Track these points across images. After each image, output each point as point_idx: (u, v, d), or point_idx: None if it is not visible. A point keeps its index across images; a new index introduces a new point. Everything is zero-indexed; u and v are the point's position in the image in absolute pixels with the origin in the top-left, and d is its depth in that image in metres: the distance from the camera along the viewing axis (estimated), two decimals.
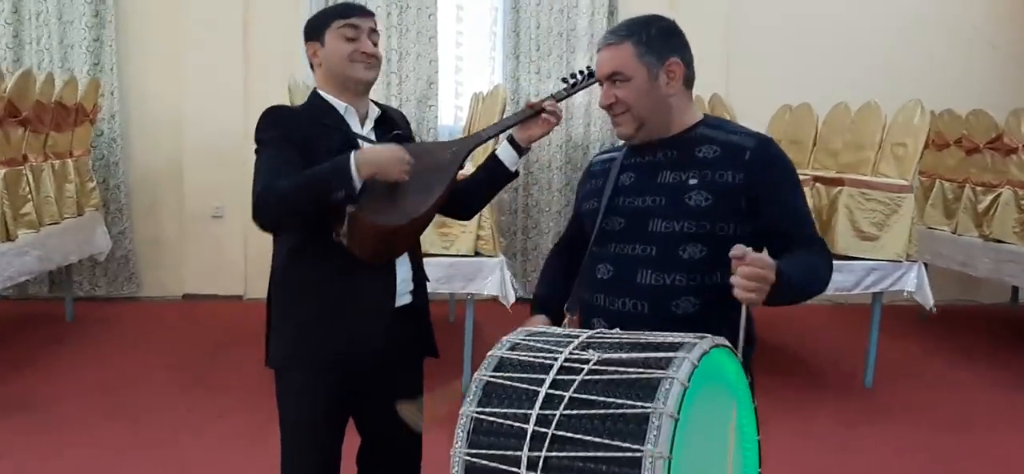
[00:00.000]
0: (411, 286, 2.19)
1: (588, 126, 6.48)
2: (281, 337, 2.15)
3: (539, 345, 1.55)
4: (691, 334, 1.49)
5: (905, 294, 4.59)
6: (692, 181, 1.79)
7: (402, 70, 6.25)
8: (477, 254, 4.19)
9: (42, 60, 5.85)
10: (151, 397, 4.18)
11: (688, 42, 1.89)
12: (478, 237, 4.18)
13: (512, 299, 4.20)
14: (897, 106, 4.90)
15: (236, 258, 6.22)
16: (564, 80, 2.25)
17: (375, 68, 2.15)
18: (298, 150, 2.03)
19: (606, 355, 1.47)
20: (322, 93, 2.17)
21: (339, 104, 2.15)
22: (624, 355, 1.46)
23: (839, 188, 4.65)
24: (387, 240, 2.03)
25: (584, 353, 1.49)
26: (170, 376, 4.50)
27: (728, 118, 4.84)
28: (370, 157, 1.97)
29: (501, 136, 2.28)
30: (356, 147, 2.06)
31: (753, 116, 5.40)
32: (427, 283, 2.31)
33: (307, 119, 2.14)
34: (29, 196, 4.40)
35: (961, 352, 5.43)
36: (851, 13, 6.62)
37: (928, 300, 4.57)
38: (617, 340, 1.53)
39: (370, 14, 2.16)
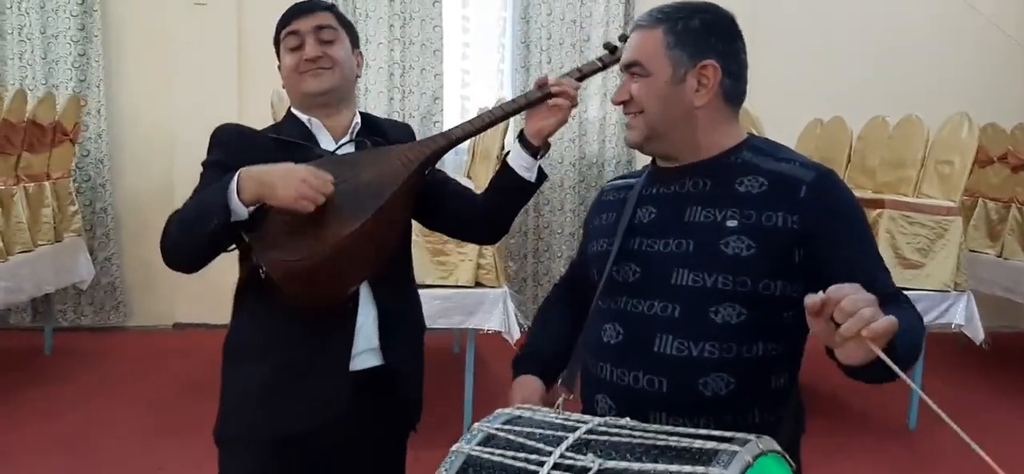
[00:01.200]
0: (375, 342, 1.74)
1: (603, 142, 6.10)
2: (220, 408, 1.79)
3: (520, 440, 1.17)
4: (728, 434, 1.09)
5: (953, 327, 4.15)
6: (730, 222, 1.38)
7: (405, 85, 5.89)
8: (478, 285, 3.79)
9: (25, 76, 5.54)
10: (123, 445, 3.81)
11: (742, 47, 1.48)
12: (479, 266, 3.78)
13: (517, 334, 3.80)
14: (935, 119, 4.49)
15: (229, 284, 5.83)
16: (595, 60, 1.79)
17: (326, 74, 1.78)
18: None
19: (611, 463, 1.08)
20: (294, 111, 1.85)
21: (304, 118, 1.81)
22: (635, 465, 1.07)
23: (879, 210, 4.23)
24: (305, 280, 1.58)
25: (581, 457, 1.10)
26: (147, 418, 4.13)
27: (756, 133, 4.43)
28: (256, 173, 1.57)
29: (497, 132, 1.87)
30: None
31: (780, 131, 5.00)
32: (420, 330, 1.90)
33: (265, 139, 1.79)
34: None
35: (1011, 387, 4.98)
36: (883, 20, 6.20)
37: (978, 334, 4.13)
38: (627, 437, 1.14)
39: (312, 10, 1.81)
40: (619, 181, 1.66)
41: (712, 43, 1.44)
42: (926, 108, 4.72)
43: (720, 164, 1.45)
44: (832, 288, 1.06)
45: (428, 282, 3.67)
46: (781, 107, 5.64)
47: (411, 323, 1.85)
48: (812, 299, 1.07)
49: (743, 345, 1.36)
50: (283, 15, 1.85)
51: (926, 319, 4.09)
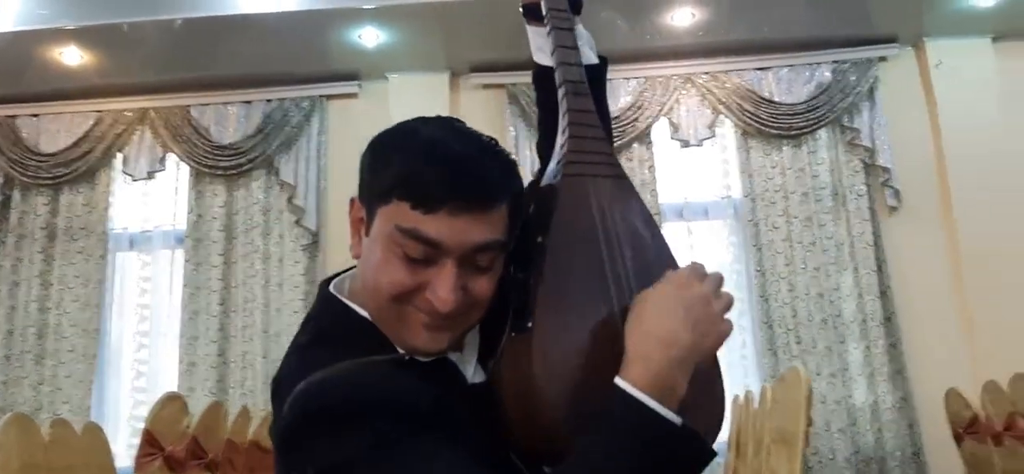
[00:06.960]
0: None
1: (879, 430, 5.10)
2: None
3: None
4: None
5: None
6: None
7: None
8: None
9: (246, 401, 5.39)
10: None
11: None
12: None
13: None
14: None
15: None
16: None
17: (450, 333, 1.01)
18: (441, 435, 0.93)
19: None
20: (360, 310, 1.04)
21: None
22: None
23: None
24: None
25: None
26: None
27: None
28: (658, 362, 0.94)
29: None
30: (450, 406, 0.98)
31: None
32: None
33: (407, 373, 1.01)
34: None
35: None
36: None
37: None
38: None
39: (485, 205, 0.98)
40: None
41: None
42: None
43: None
44: None
45: None
46: None
47: None
48: None
49: None
50: (424, 180, 0.96)
51: None
